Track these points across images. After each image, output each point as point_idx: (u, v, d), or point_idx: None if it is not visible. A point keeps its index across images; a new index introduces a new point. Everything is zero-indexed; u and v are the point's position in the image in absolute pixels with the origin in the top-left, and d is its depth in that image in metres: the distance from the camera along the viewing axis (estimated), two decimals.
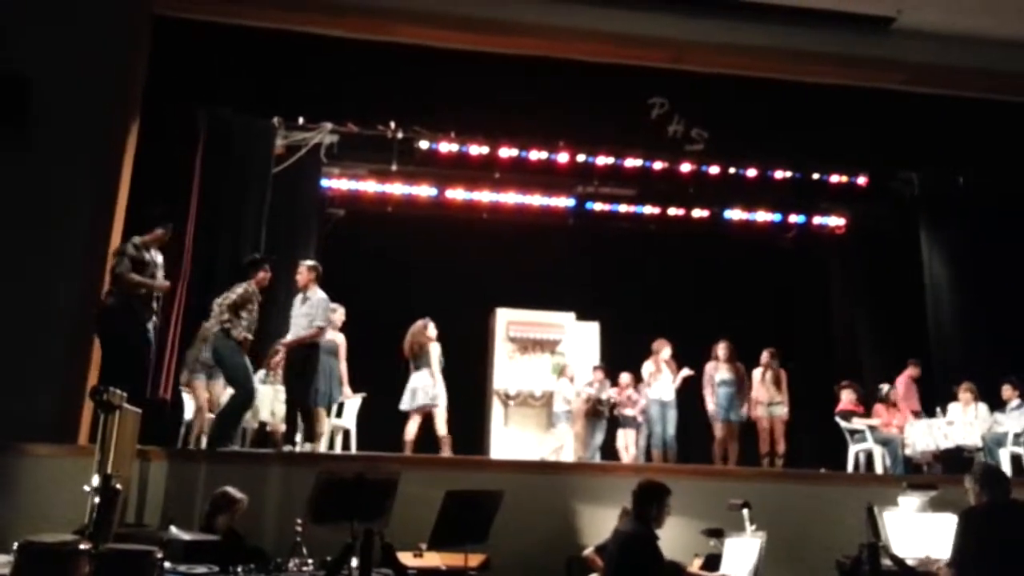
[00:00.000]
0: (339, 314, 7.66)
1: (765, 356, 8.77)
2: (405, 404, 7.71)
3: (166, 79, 7.10)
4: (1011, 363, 8.60)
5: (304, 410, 6.79)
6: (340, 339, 7.74)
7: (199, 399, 7.22)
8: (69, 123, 6.51)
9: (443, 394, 7.75)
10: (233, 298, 6.41)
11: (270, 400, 7.56)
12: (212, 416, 7.02)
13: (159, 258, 6.18)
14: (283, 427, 7.33)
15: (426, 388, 7.66)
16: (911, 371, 9.15)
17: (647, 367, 8.85)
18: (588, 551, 5.44)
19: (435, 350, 7.85)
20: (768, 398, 8.63)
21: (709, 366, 8.66)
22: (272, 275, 6.91)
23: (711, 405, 8.53)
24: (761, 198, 11.12)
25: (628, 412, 8.93)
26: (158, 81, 7.06)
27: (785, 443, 8.56)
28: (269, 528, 5.50)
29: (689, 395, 8.79)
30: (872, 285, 11.02)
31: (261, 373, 7.61)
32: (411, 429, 7.62)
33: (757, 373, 8.73)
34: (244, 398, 6.52)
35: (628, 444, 8.96)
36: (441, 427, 7.65)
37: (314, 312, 6.86)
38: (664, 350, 8.84)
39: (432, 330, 7.93)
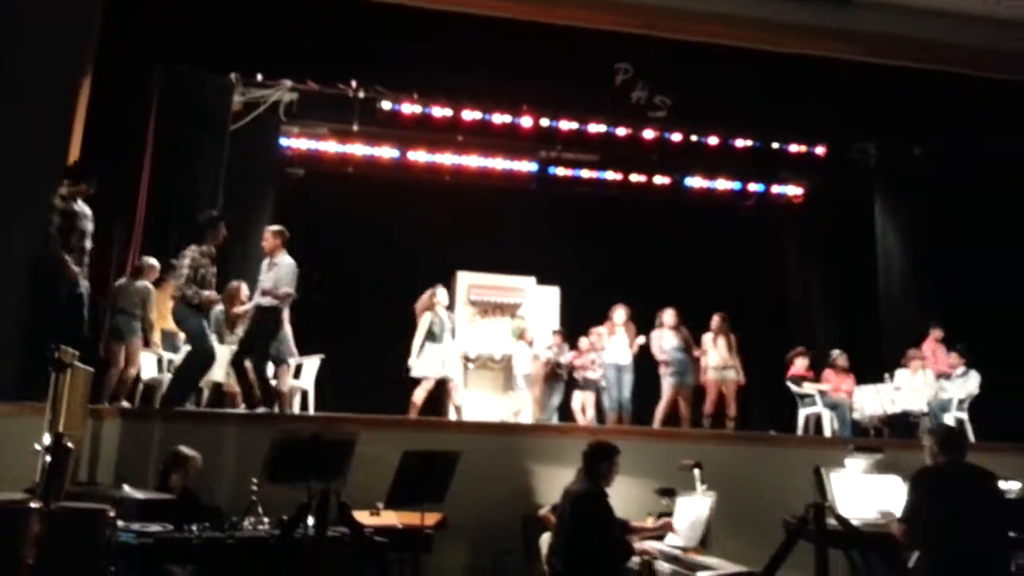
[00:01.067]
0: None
1: (716, 320, 8.84)
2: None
3: (119, 33, 6.89)
4: (958, 332, 8.88)
5: (258, 374, 6.75)
6: None
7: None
8: (20, 78, 6.26)
9: (427, 365, 7.77)
10: (186, 272, 6.39)
11: (227, 360, 7.49)
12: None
13: (87, 209, 6.02)
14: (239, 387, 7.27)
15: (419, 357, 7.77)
16: (936, 333, 9.06)
17: (600, 331, 8.92)
18: (544, 510, 5.53)
19: (424, 321, 7.88)
20: (721, 363, 8.74)
21: (655, 334, 8.72)
22: (228, 234, 6.82)
23: (669, 375, 8.55)
24: (722, 166, 11.22)
25: (591, 375, 9.01)
26: (111, 35, 6.84)
27: (736, 407, 8.68)
28: (225, 487, 5.52)
29: (646, 358, 8.88)
30: (827, 254, 11.26)
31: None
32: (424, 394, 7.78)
33: (708, 338, 8.81)
34: (203, 360, 6.49)
35: (586, 406, 9.07)
36: (417, 392, 7.74)
37: (281, 277, 6.80)
38: (617, 313, 8.89)
39: (436, 297, 7.97)
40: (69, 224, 5.83)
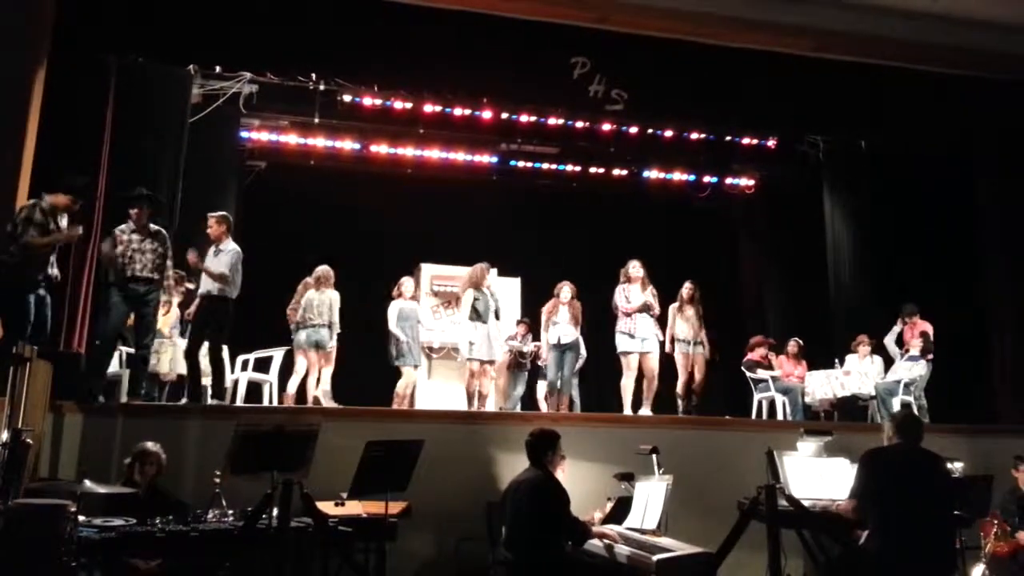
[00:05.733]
0: (407, 285, 8.26)
1: (687, 288, 8.32)
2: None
3: (74, 23, 6.80)
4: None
5: (215, 364, 6.76)
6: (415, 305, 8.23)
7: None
8: None
9: (475, 348, 7.75)
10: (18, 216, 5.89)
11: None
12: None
13: (63, 222, 5.97)
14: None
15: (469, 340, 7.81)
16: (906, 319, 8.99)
17: (544, 309, 8.34)
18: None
19: (467, 298, 7.88)
20: (692, 335, 8.19)
21: (620, 287, 7.98)
22: (71, 202, 6.10)
23: (627, 339, 7.78)
24: (677, 158, 11.43)
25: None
26: (66, 26, 6.75)
27: (704, 385, 8.32)
28: (189, 481, 5.52)
29: (599, 338, 8.77)
30: (779, 242, 11.56)
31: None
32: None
33: (673, 308, 8.31)
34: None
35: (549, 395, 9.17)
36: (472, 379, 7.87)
37: (233, 264, 6.79)
38: (564, 291, 8.22)
39: (486, 276, 7.99)
40: (44, 234, 5.79)
